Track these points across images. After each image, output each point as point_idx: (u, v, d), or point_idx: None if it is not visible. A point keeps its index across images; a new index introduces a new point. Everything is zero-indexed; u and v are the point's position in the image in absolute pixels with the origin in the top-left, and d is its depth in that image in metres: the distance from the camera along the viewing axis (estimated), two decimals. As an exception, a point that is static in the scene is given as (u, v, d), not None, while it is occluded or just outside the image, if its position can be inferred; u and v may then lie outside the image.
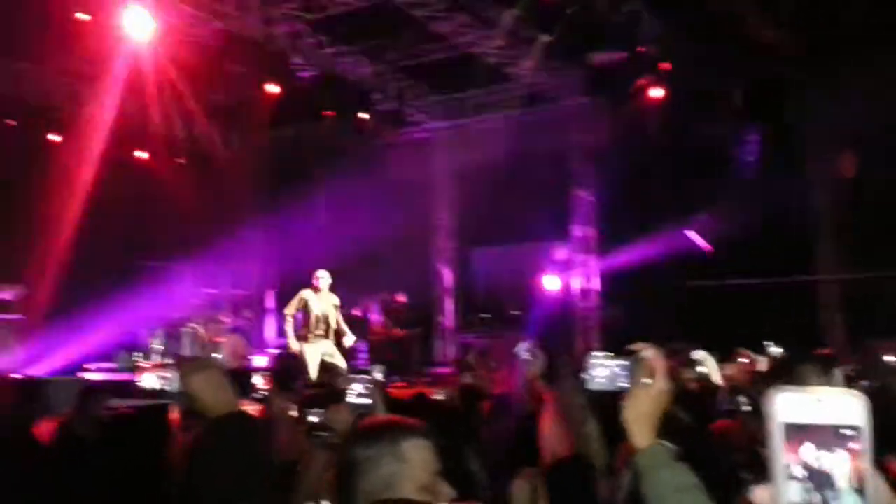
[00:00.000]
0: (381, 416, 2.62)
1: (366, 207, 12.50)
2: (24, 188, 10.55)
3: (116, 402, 4.18)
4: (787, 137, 10.31)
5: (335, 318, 9.03)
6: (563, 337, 11.29)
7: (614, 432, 2.81)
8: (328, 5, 10.38)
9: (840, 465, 0.75)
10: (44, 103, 11.44)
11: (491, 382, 4.99)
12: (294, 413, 3.50)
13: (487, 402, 4.54)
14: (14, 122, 11.35)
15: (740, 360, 5.51)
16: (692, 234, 10.70)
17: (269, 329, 13.84)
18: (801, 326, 9.40)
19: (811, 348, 4.88)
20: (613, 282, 11.97)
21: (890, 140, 9.05)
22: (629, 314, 10.81)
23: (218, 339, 11.57)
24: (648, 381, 1.53)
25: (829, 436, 0.76)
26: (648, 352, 1.57)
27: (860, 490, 0.75)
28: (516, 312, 11.40)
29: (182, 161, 13.83)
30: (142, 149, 13.19)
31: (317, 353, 8.66)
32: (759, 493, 0.92)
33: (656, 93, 10.28)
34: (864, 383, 3.70)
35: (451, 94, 12.84)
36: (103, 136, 12.02)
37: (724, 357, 5.28)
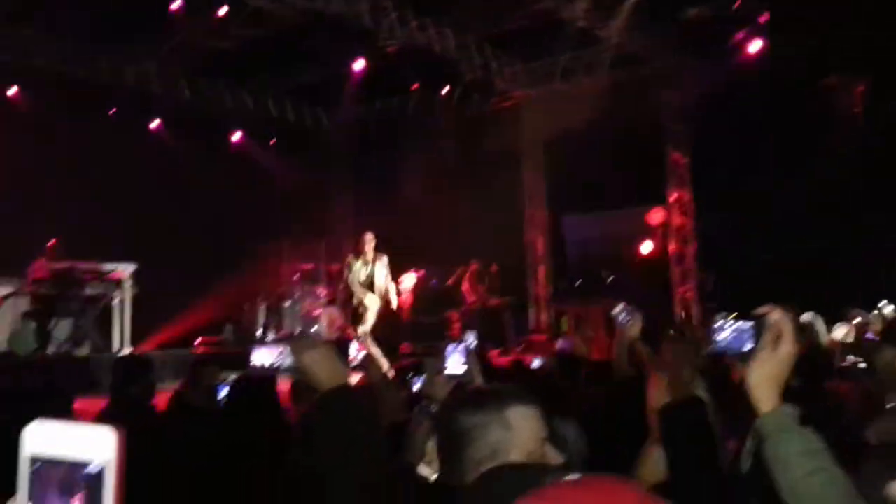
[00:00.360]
0: (480, 383, 2.63)
1: (455, 178, 12.51)
2: (128, 172, 11.05)
3: (227, 374, 4.34)
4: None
5: (383, 279, 8.98)
6: (660, 302, 11.06)
7: (725, 399, 2.74)
8: (412, -22, 10.36)
9: None
10: (143, 90, 11.88)
11: (588, 348, 4.94)
12: (390, 379, 3.58)
13: (585, 369, 4.50)
14: (115, 110, 11.86)
15: (853, 320, 5.27)
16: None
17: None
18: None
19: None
20: (711, 245, 11.62)
21: None
22: (728, 278, 10.49)
23: (315, 312, 11.89)
24: (776, 343, 1.48)
25: None
26: (776, 313, 1.52)
27: None
28: (610, 278, 11.23)
29: (273, 141, 14.20)
30: (234, 131, 13.61)
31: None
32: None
33: (755, 46, 9.83)
34: None
35: (538, 61, 12.64)
36: (200, 120, 12.50)
37: (834, 318, 5.07)
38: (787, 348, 1.49)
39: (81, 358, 8.30)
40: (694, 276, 11.84)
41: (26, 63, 10.47)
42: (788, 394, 1.58)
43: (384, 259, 9.05)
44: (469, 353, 2.57)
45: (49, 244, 9.01)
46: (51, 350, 8.50)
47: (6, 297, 8.69)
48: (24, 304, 8.85)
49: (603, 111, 11.13)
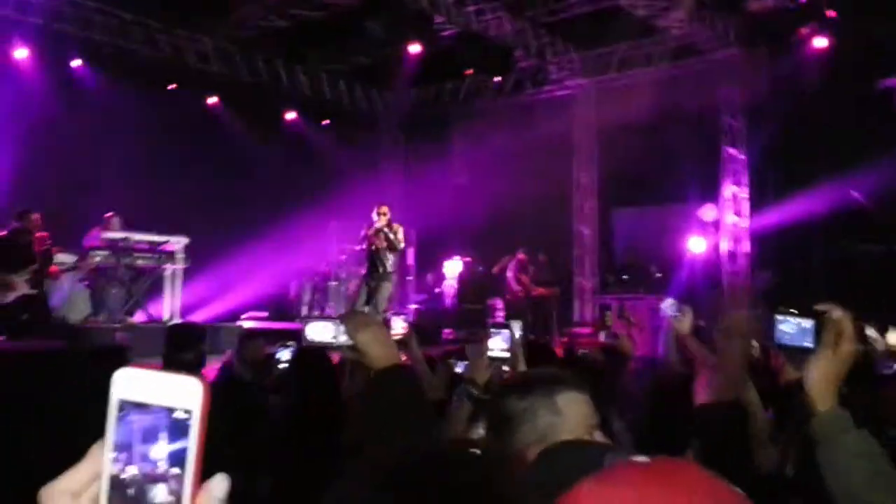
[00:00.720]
0: (522, 368, 2.61)
1: (505, 166, 12.47)
2: (185, 147, 11.25)
3: (276, 348, 4.40)
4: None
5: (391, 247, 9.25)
6: (710, 301, 10.89)
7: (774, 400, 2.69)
8: (470, -37, 10.30)
9: None
10: (201, 68, 12.06)
11: (632, 343, 4.88)
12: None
13: (630, 363, 4.45)
14: (174, 86, 12.07)
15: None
16: (854, 194, 9.96)
17: (409, 283, 14.16)
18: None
19: None
20: (765, 244, 11.38)
21: None
22: (782, 278, 10.27)
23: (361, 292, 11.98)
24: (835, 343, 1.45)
25: None
26: (837, 312, 1.48)
27: None
28: (658, 274, 11.08)
29: (326, 122, 14.31)
30: (289, 111, 13.74)
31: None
32: None
33: (819, 42, 9.56)
34: None
35: (594, 49, 12.48)
36: (256, 99, 12.66)
37: (884, 325, 4.92)
38: (847, 347, 1.45)
39: (132, 326, 8.50)
40: (747, 274, 11.61)
41: (89, 37, 10.69)
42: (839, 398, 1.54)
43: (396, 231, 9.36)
44: (513, 338, 2.56)
45: (106, 215, 9.24)
46: (103, 317, 8.72)
47: (65, 269, 8.92)
48: (79, 272, 9.10)
49: (659, 103, 10.96)
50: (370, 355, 1.82)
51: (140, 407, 0.69)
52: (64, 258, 9.03)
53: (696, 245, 11.56)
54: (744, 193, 11.78)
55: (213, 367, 4.79)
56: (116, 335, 7.96)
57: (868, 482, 1.36)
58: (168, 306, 9.34)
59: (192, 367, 4.41)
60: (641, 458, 0.85)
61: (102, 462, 0.69)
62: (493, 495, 1.15)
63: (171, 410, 0.69)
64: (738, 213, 11.77)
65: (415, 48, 12.14)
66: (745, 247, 11.73)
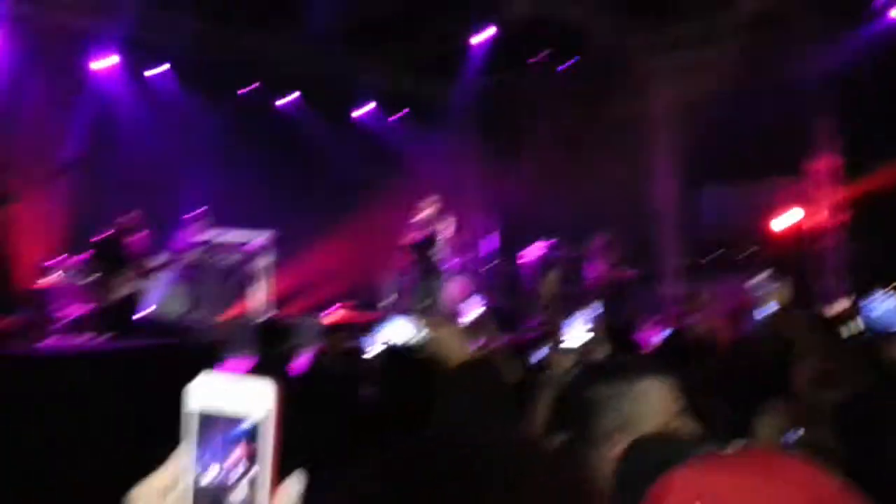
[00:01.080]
0: (608, 354, 2.60)
1: (584, 149, 12.30)
2: (267, 145, 11.58)
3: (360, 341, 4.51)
4: None
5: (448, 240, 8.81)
6: (802, 277, 10.51)
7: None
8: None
9: None
10: (279, 67, 12.34)
11: (721, 324, 4.77)
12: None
13: (720, 344, 4.36)
14: (253, 86, 12.39)
15: None
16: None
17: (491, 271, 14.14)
18: None
19: None
20: (859, 217, 10.89)
21: None
22: (878, 252, 9.82)
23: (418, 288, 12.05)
24: None
25: None
26: None
27: None
28: (747, 254, 10.75)
29: (401, 113, 14.43)
30: (365, 103, 13.93)
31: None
32: None
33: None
34: None
35: (671, 26, 12.15)
36: (332, 94, 12.87)
37: None
38: None
39: (226, 322, 8.81)
40: (840, 250, 11.15)
41: (172, 44, 11.09)
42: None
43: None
44: (595, 323, 2.55)
45: (196, 214, 9.60)
46: (198, 314, 9.08)
47: (157, 268, 9.28)
48: (174, 271, 9.49)
49: (741, 77, 10.62)
50: (445, 351, 1.86)
51: (217, 411, 0.73)
52: (158, 257, 9.43)
53: (785, 221, 11.16)
54: (834, 165, 11.28)
55: (303, 359, 4.93)
56: (211, 332, 8.28)
57: None
58: (259, 301, 9.65)
59: (282, 361, 4.58)
60: (734, 449, 0.85)
61: (185, 463, 0.74)
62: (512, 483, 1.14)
63: (246, 414, 0.72)
64: (829, 186, 11.29)
65: (486, 35, 12.09)
66: (839, 220, 11.25)
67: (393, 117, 14.39)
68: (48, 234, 9.12)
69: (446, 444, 2.48)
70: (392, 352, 3.57)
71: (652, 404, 1.61)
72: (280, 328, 4.91)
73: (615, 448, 1.64)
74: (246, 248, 9.48)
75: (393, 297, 12.09)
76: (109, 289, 7.60)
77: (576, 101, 13.06)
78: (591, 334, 2.50)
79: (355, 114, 13.96)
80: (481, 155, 14.67)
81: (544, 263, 12.21)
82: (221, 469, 0.72)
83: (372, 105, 14.03)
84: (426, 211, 8.92)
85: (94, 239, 7.92)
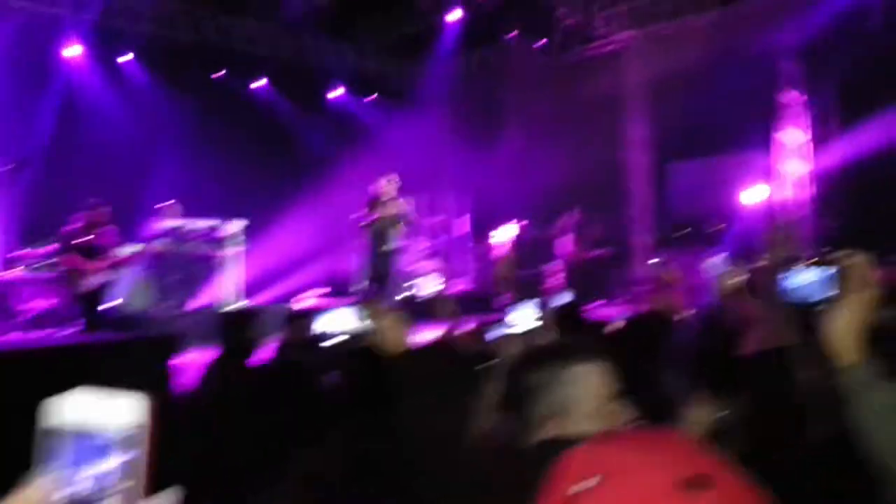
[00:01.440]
0: (551, 340, 2.58)
1: (557, 127, 12.28)
2: (236, 131, 11.43)
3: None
4: None
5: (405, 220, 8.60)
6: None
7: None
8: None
9: None
10: (247, 51, 12.19)
11: (681, 300, 4.77)
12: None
13: (678, 320, 4.36)
14: (223, 72, 12.23)
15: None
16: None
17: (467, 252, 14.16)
18: None
19: None
20: (828, 190, 10.97)
21: None
22: (848, 224, 9.90)
23: (416, 266, 12.03)
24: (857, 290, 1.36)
25: None
26: (856, 258, 1.39)
27: None
28: (717, 228, 10.80)
29: (373, 96, 14.32)
30: (336, 86, 13.80)
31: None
32: None
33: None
34: None
35: (641, 0, 12.12)
36: (303, 77, 12.73)
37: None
38: (869, 294, 1.36)
39: (194, 312, 8.74)
40: (809, 223, 11.24)
41: (138, 30, 10.90)
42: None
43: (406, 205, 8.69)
44: (544, 308, 2.53)
45: (165, 204, 9.48)
46: (165, 305, 8.99)
47: (125, 259, 9.08)
48: (142, 260, 9.38)
49: (712, 51, 10.63)
50: (388, 341, 1.83)
51: (88, 425, 0.71)
52: (126, 249, 9.31)
53: (755, 194, 11.22)
54: (803, 138, 11.34)
55: (267, 349, 4.89)
56: (179, 322, 8.21)
57: None
58: (229, 290, 9.57)
59: (245, 350, 4.53)
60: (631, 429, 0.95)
61: (56, 478, 0.71)
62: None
63: (118, 427, 0.70)
64: (799, 158, 11.35)
65: (455, 15, 12.00)
66: (807, 193, 11.33)
67: (364, 100, 14.28)
68: (10, 224, 8.99)
69: (382, 433, 2.46)
70: (346, 341, 3.55)
71: (585, 389, 1.59)
72: (245, 317, 4.84)
73: (549, 434, 1.63)
74: (215, 235, 9.39)
75: (363, 282, 12.06)
76: (75, 281, 7.48)
77: (548, 80, 13.03)
78: (538, 321, 2.48)
79: (327, 97, 13.83)
80: (453, 136, 14.61)
81: (512, 245, 12.23)
82: (92, 483, 0.71)
83: (342, 90, 13.91)
84: (383, 189, 8.59)
85: (60, 230, 7.79)
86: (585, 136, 11.85)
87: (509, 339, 2.36)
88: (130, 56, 11.37)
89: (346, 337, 3.76)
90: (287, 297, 10.76)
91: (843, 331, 1.36)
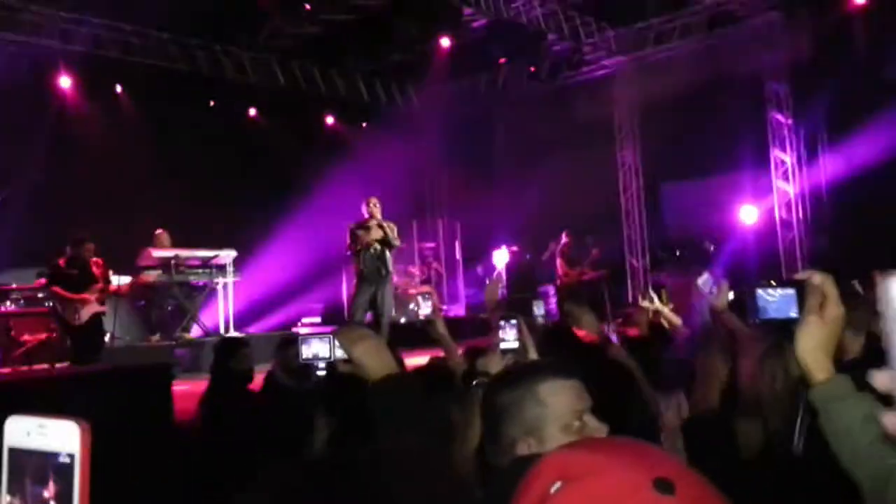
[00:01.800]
0: (532, 357, 2.58)
1: (548, 152, 12.34)
2: (228, 161, 11.47)
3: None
4: None
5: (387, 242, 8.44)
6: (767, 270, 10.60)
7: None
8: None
9: None
10: (239, 81, 12.24)
11: (676, 320, 4.79)
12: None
13: (674, 340, 4.37)
14: (214, 102, 12.30)
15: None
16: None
17: (458, 280, 14.16)
18: None
19: None
20: (819, 209, 11.03)
21: None
22: (839, 244, 9.94)
23: (411, 292, 12.03)
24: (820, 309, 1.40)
25: None
26: (817, 277, 1.42)
27: None
28: (710, 248, 10.84)
29: (365, 123, 14.38)
30: (327, 114, 13.86)
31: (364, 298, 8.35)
32: (878, 377, 0.85)
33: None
34: None
35: (629, 25, 12.25)
36: (294, 106, 12.79)
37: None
38: (834, 312, 1.39)
39: (189, 341, 8.71)
40: (802, 242, 11.28)
41: (128, 60, 10.96)
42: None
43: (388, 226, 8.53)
44: (520, 328, 2.52)
45: (155, 232, 9.46)
46: (159, 335, 8.95)
47: (117, 292, 9.01)
48: (134, 292, 9.35)
49: (700, 75, 10.74)
50: (366, 368, 1.83)
51: (28, 453, 0.72)
52: (118, 280, 9.29)
53: (746, 215, 11.26)
54: (793, 159, 11.42)
55: (259, 378, 4.88)
56: (175, 352, 8.18)
57: (878, 445, 1.30)
58: (222, 320, 9.55)
59: (239, 377, 4.52)
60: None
61: None
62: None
63: (55, 454, 0.71)
64: (788, 180, 11.42)
65: (446, 42, 12.11)
66: (799, 213, 11.38)
67: (358, 127, 14.35)
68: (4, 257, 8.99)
69: (363, 458, 2.45)
70: (332, 367, 3.54)
71: (554, 407, 1.59)
72: (236, 345, 4.84)
73: (522, 454, 1.62)
74: (209, 265, 9.39)
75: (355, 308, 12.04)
76: (65, 314, 7.45)
77: (539, 106, 13.12)
78: (519, 337, 2.48)
79: (317, 125, 13.89)
80: (444, 162, 14.68)
81: (504, 269, 12.26)
82: None
83: (335, 116, 13.98)
84: (367, 213, 8.49)
85: (48, 263, 7.78)
86: (577, 160, 11.91)
87: (496, 361, 2.36)
88: (120, 87, 11.45)
89: (333, 363, 3.75)
90: (278, 326, 10.75)
91: (811, 348, 1.39)
